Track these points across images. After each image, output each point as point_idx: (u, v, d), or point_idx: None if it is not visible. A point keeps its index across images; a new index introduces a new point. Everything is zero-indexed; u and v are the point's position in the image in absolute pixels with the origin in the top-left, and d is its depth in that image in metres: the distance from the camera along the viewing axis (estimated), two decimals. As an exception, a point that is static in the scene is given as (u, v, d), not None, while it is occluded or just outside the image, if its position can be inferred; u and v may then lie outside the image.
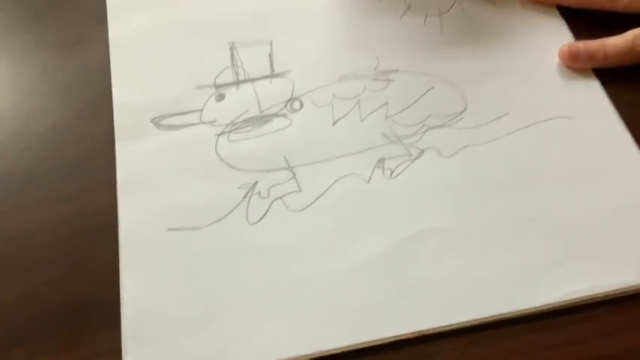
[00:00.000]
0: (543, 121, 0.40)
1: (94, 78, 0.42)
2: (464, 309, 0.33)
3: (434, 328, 0.33)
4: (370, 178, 0.38)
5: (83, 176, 0.38)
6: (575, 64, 0.42)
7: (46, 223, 0.36)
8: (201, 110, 0.40)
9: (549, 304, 0.33)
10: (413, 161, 0.39)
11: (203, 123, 0.40)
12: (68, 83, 0.42)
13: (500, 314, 0.33)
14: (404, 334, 0.33)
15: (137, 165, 0.38)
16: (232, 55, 0.43)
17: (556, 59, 0.42)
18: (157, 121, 0.39)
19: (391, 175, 0.38)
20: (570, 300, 0.33)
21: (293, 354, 0.32)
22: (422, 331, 0.33)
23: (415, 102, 0.41)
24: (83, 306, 0.34)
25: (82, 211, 0.37)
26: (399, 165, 0.38)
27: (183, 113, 0.40)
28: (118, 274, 0.34)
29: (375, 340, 0.32)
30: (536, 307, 0.33)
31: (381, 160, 0.39)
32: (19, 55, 0.43)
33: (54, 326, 0.33)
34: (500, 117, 0.40)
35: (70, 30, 0.44)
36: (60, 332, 0.33)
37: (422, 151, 0.39)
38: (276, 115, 0.40)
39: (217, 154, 0.38)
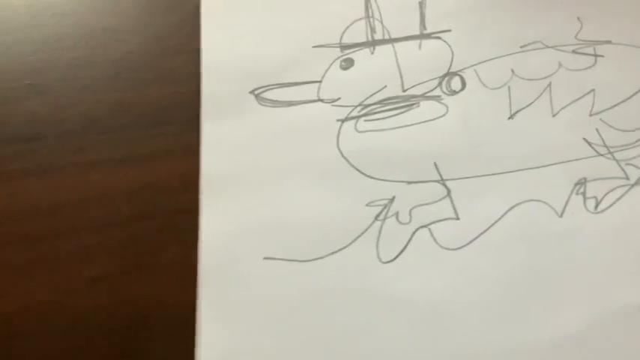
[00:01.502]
0: None
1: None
2: None
3: None
4: (564, 209, 0.25)
5: (158, 134, 0.28)
6: None
7: (98, 194, 0.27)
8: (320, 82, 0.28)
9: None
10: (631, 188, 0.26)
11: (322, 101, 0.28)
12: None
13: None
14: None
15: (229, 154, 0.27)
16: (367, 3, 0.30)
17: None
18: (258, 93, 0.28)
19: (597, 207, 0.25)
20: None
21: None
22: None
23: (636, 93, 0.27)
24: (140, 317, 0.24)
25: (151, 182, 0.27)
26: (609, 192, 0.26)
27: (294, 84, 0.28)
28: (191, 281, 0.25)
29: None
30: None
31: (582, 183, 0.26)
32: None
33: (99, 342, 0.24)
34: None
35: None
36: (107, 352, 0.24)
37: (645, 173, 0.26)
38: (425, 96, 0.28)
39: (339, 149, 0.27)
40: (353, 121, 0.27)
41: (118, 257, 0.26)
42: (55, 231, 0.26)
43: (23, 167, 0.28)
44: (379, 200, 0.26)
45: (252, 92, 0.28)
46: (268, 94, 0.28)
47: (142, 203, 0.27)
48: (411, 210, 0.26)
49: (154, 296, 0.25)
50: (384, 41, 0.29)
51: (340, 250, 0.25)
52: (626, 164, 0.26)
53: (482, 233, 0.25)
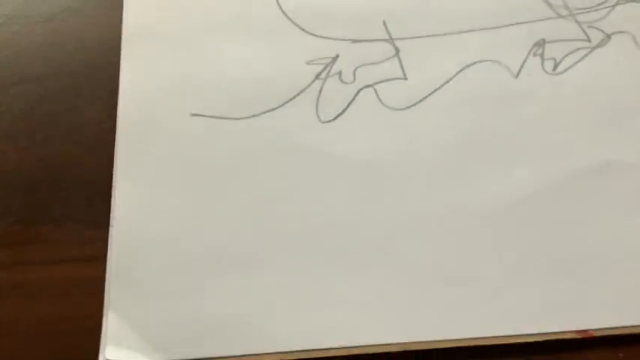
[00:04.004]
0: None
1: None
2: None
3: (610, 328, 0.20)
4: (520, 70, 0.23)
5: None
6: None
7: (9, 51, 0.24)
8: None
9: None
10: (592, 50, 0.24)
11: (261, -47, 0.25)
12: None
13: None
14: (559, 333, 0.20)
15: (155, 3, 0.24)
16: None
17: None
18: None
19: (555, 68, 0.23)
20: None
21: (369, 341, 0.20)
22: (590, 330, 0.20)
23: (605, -46, 0.25)
24: (51, 175, 0.22)
25: (68, 36, 0.24)
26: (569, 54, 0.24)
27: None
28: (108, 140, 0.22)
29: (505, 337, 0.20)
30: None
31: (541, 44, 0.24)
32: None
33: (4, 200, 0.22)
34: None
35: None
36: (11, 210, 0.22)
37: (607, 37, 0.24)
38: (376, -48, 0.25)
39: (279, 4, 0.24)
40: (296, -25, 0.25)
41: (29, 115, 0.23)
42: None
43: None
44: (321, 59, 0.23)
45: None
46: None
47: (58, 59, 0.24)
48: (355, 69, 0.23)
49: (68, 155, 0.22)
50: None
51: (277, 107, 0.23)
52: (589, 27, 0.24)
53: (430, 94, 0.23)
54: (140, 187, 0.21)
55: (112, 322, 0.20)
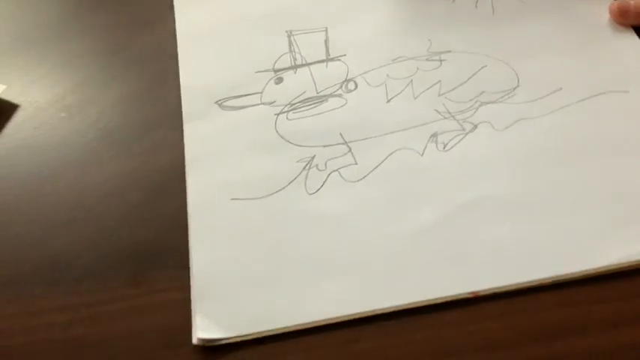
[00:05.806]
0: (598, 94, 0.40)
1: (163, 53, 0.46)
2: (520, 271, 0.34)
3: (490, 289, 0.33)
4: (424, 152, 0.39)
5: (152, 137, 0.41)
6: (624, 21, 0.43)
7: (117, 175, 0.40)
8: (262, 92, 0.42)
9: (608, 266, 0.33)
10: (466, 135, 0.40)
11: (263, 104, 0.42)
12: (140, 56, 0.46)
13: (556, 276, 0.33)
14: (459, 295, 0.33)
15: (203, 143, 0.40)
16: (290, 43, 0.45)
17: (609, 33, 0.43)
18: (220, 103, 0.42)
19: (444, 148, 0.39)
20: (631, 262, 0.33)
21: (348, 311, 0.33)
22: (478, 291, 0.33)
23: (468, 80, 0.42)
24: (150, 248, 0.37)
25: (151, 167, 0.40)
26: (452, 139, 0.39)
27: (244, 95, 0.42)
28: (183, 223, 0.37)
29: (429, 300, 0.33)
30: (595, 269, 0.33)
31: (435, 135, 0.40)
32: (97, 32, 0.48)
33: (121, 263, 0.36)
34: (553, 92, 0.41)
35: (143, 12, 0.49)
36: (127, 268, 0.36)
37: (475, 126, 0.40)
38: (331, 95, 0.42)
39: (277, 131, 0.41)
40: (285, 114, 0.41)
41: (132, 214, 0.38)
42: (90, 197, 0.39)
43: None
44: (305, 158, 0.39)
45: (216, 102, 0.42)
46: (228, 103, 0.42)
47: (149, 177, 0.40)
48: (326, 162, 0.39)
49: (164, 235, 0.37)
50: (302, 65, 0.44)
51: (281, 189, 0.38)
52: (463, 122, 0.40)
53: (372, 171, 0.38)
54: (206, 245, 0.36)
55: (198, 319, 0.33)
